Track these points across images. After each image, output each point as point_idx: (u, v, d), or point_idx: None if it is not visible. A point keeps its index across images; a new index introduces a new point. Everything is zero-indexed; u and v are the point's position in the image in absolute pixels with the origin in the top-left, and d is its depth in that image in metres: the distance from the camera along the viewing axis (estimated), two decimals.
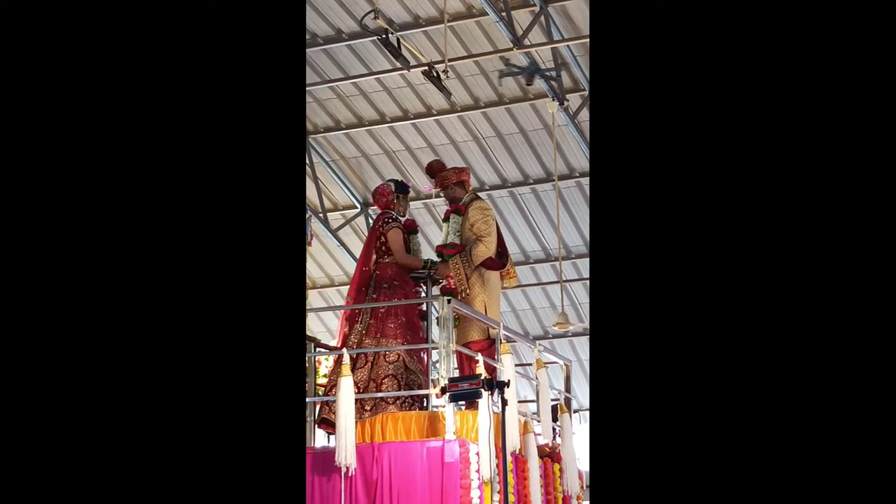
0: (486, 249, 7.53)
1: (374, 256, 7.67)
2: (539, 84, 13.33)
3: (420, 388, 7.25)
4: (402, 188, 8.11)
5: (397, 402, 7.14)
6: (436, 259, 7.79)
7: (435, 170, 8.10)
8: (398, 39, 11.90)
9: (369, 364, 7.24)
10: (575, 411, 9.57)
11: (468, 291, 7.46)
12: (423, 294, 7.72)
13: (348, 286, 8.42)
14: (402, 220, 7.94)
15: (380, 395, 7.14)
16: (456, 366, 7.38)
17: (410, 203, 8.68)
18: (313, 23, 13.59)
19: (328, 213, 16.52)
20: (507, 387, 6.16)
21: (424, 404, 7.22)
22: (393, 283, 7.56)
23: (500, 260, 7.74)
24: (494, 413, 6.25)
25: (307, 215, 8.83)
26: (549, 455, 7.66)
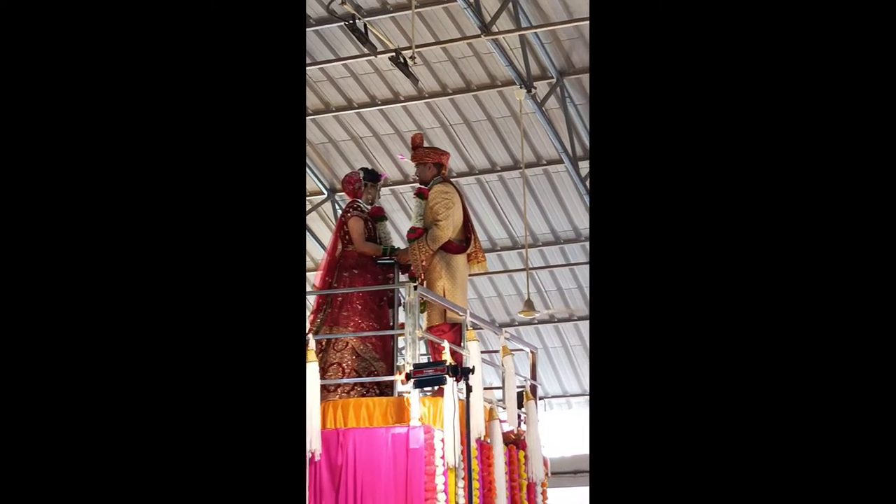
0: (441, 233, 7.48)
1: (339, 245, 7.74)
2: (506, 72, 13.33)
3: (375, 374, 7.26)
4: (371, 176, 8.11)
5: (350, 389, 7.15)
6: (402, 246, 7.78)
7: (417, 143, 8.08)
8: (365, 25, 11.85)
9: (322, 352, 7.27)
10: (540, 398, 9.59)
11: (424, 276, 7.43)
12: (395, 281, 7.71)
13: (315, 273, 8.42)
14: (370, 207, 7.94)
15: (343, 381, 7.13)
16: (424, 352, 7.38)
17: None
18: None
19: None
20: (473, 373, 6.16)
21: (387, 391, 7.21)
22: (353, 272, 7.60)
23: (461, 244, 7.70)
24: (460, 399, 6.25)
25: None
26: (514, 442, 7.67)
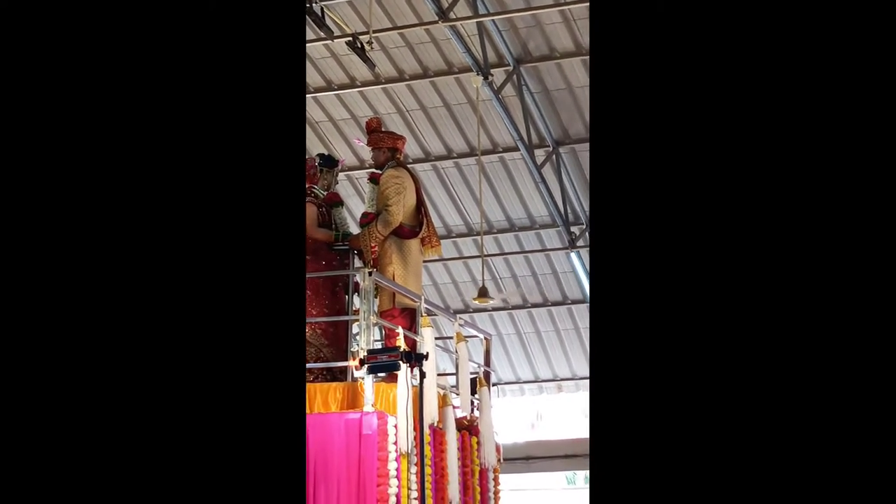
0: (392, 217, 7.46)
1: None
2: (463, 58, 13.33)
3: (324, 360, 7.25)
4: (327, 162, 8.07)
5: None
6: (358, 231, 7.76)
7: (372, 127, 8.05)
8: (322, 9, 11.78)
9: None
10: (494, 385, 9.62)
11: (375, 261, 7.42)
12: (351, 266, 7.69)
13: None
14: (325, 193, 7.91)
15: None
16: (378, 338, 7.37)
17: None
18: None
19: None
20: (426, 360, 6.17)
21: (340, 376, 7.20)
22: (305, 258, 7.54)
23: (413, 229, 7.69)
24: (413, 386, 6.26)
25: None
26: (467, 428, 7.70)
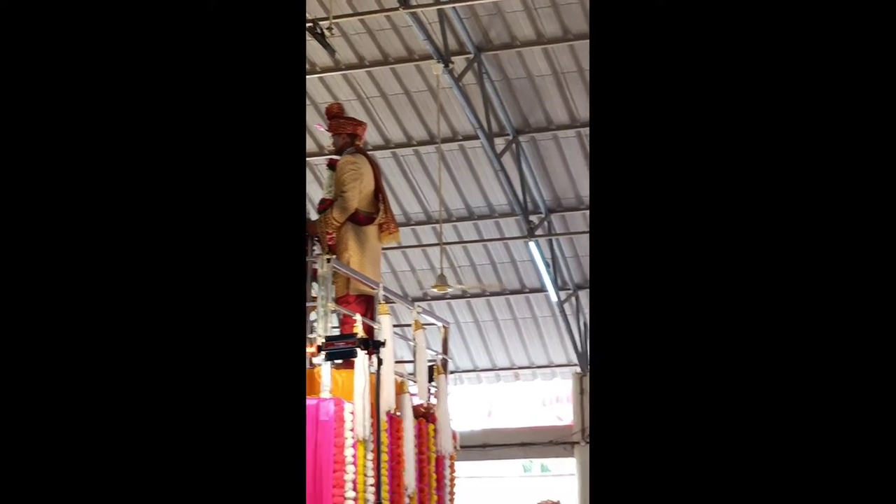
0: (347, 203, 7.43)
1: None
2: (424, 46, 13.32)
3: None
4: None
5: None
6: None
7: (333, 113, 8.01)
8: None
9: None
10: (451, 373, 9.63)
11: (333, 247, 7.39)
12: (309, 253, 7.65)
13: None
14: None
15: None
16: (336, 324, 7.35)
17: None
18: None
19: None
20: (384, 347, 6.16)
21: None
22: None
23: (370, 215, 7.67)
24: (370, 373, 6.25)
25: None
26: (424, 415, 7.70)
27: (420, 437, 7.49)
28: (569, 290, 17.14)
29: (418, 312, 8.00)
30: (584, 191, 16.09)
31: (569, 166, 15.92)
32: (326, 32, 11.64)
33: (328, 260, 6.95)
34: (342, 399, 6.47)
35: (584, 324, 17.54)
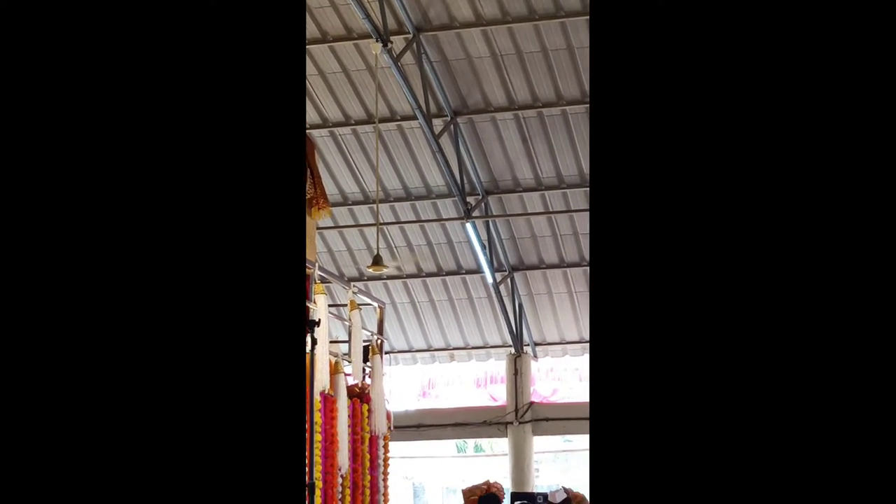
0: None
1: None
2: (363, 25, 13.27)
3: None
4: None
5: None
6: None
7: None
8: None
9: None
10: (386, 353, 9.64)
11: None
12: None
13: None
14: None
15: None
16: None
17: None
18: None
19: None
20: (319, 326, 6.16)
21: None
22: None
23: None
24: (305, 352, 6.25)
25: None
26: (359, 395, 7.72)
27: (354, 417, 7.50)
28: (504, 271, 17.23)
29: (354, 292, 8.00)
30: (521, 173, 16.16)
31: (506, 148, 15.97)
32: None
33: None
34: None
35: (519, 305, 17.64)
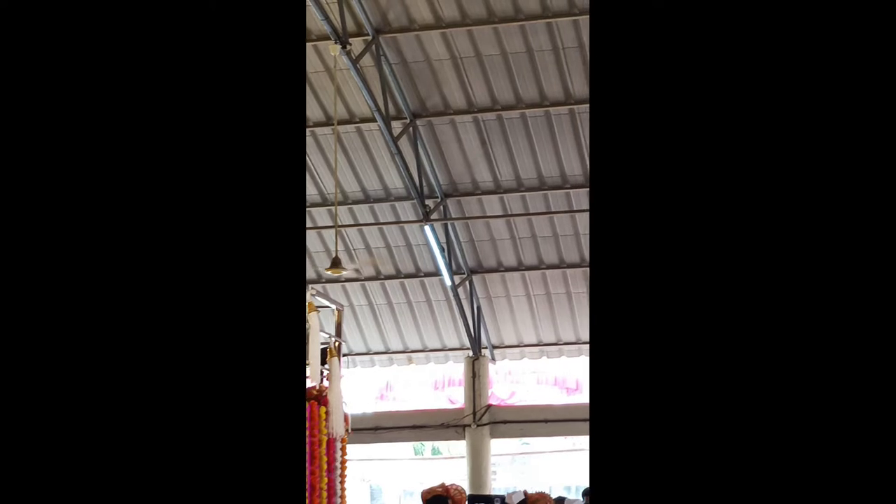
0: None
1: None
2: (322, 26, 13.23)
3: None
4: None
5: None
6: None
7: None
8: None
9: None
10: (344, 355, 9.62)
11: None
12: None
13: None
14: None
15: None
16: None
17: None
18: None
19: None
20: None
21: None
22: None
23: None
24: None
25: None
26: (316, 398, 7.69)
27: (311, 419, 7.47)
28: (463, 274, 17.24)
29: (312, 295, 7.97)
30: (480, 175, 16.19)
31: (465, 151, 15.99)
32: None
33: None
34: None
35: (477, 308, 17.67)
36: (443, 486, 7.27)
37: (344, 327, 9.70)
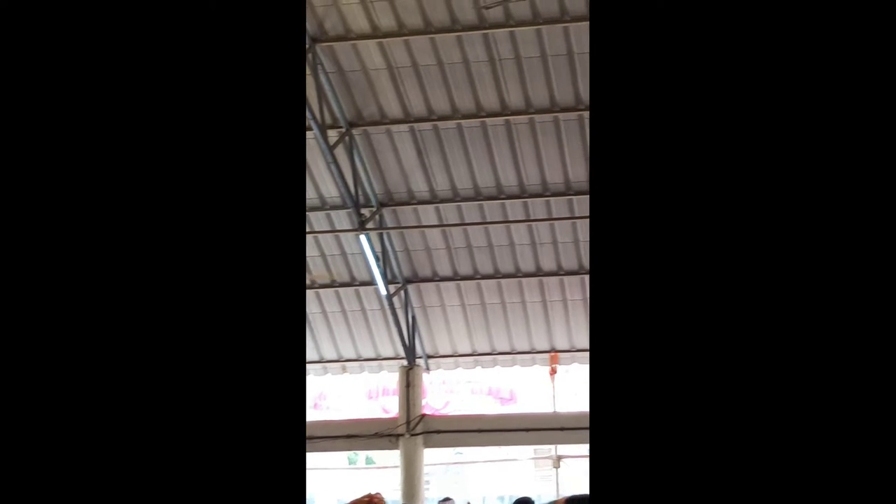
0: None
1: None
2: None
3: None
4: None
5: None
6: None
7: None
8: None
9: None
10: None
11: None
12: None
13: None
14: None
15: None
16: None
17: None
18: None
19: None
20: None
21: None
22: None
23: None
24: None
25: None
26: None
27: None
28: (398, 283, 17.24)
29: None
30: (416, 185, 16.21)
31: (401, 160, 16.01)
32: None
33: None
34: None
35: (412, 317, 17.67)
36: (369, 495, 7.26)
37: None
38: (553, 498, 17.75)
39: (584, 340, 17.78)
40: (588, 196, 15.90)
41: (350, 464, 24.03)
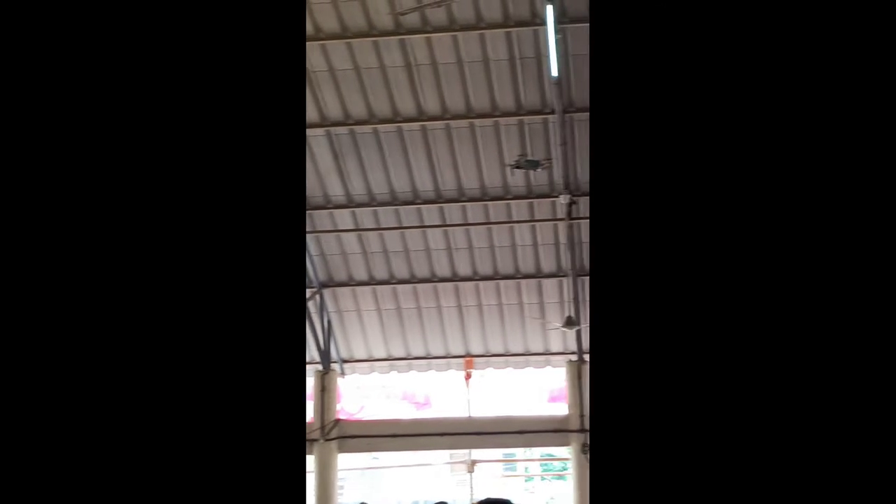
0: None
1: None
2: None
3: None
4: None
5: None
6: None
7: None
8: None
9: None
10: None
11: None
12: None
13: None
14: None
15: None
16: None
17: None
18: None
19: None
20: None
21: None
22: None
23: None
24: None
25: None
26: None
27: None
28: (313, 288, 17.17)
29: None
30: (331, 189, 16.17)
31: (317, 164, 15.96)
32: None
33: None
34: None
35: (328, 322, 17.61)
36: None
37: None
38: (467, 502, 17.81)
39: (498, 345, 17.90)
40: (500, 202, 16.07)
41: None
